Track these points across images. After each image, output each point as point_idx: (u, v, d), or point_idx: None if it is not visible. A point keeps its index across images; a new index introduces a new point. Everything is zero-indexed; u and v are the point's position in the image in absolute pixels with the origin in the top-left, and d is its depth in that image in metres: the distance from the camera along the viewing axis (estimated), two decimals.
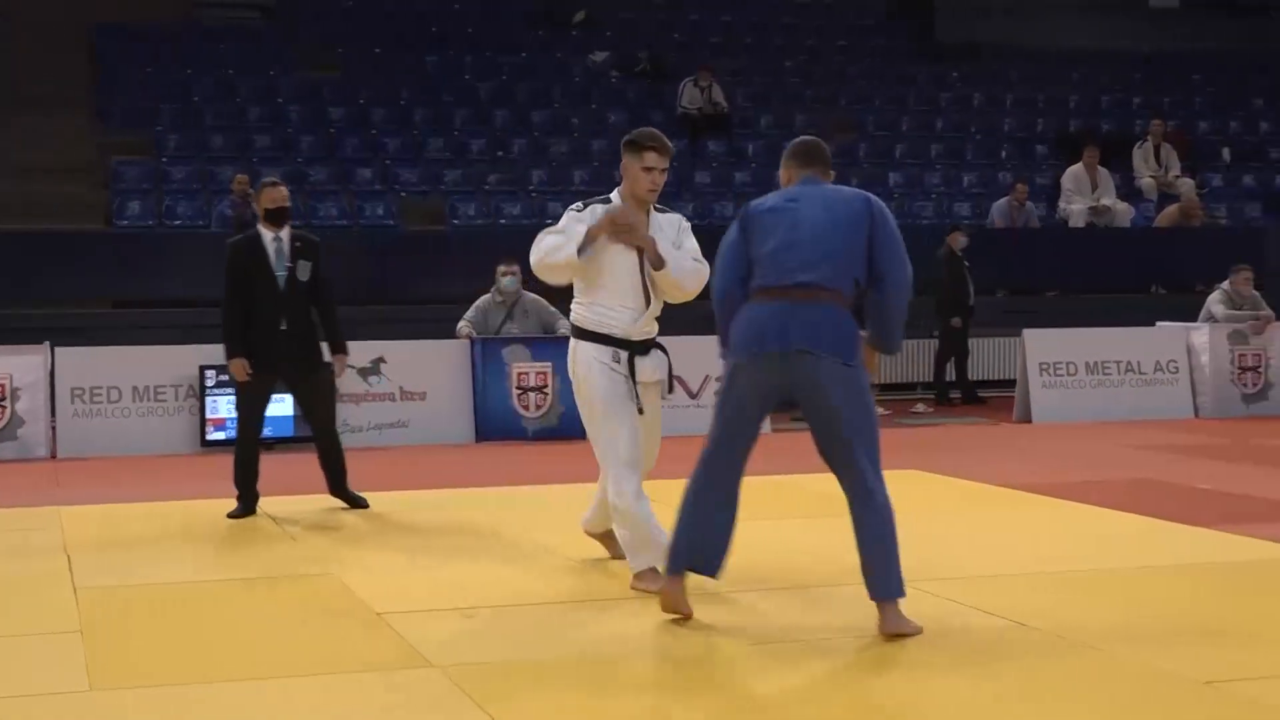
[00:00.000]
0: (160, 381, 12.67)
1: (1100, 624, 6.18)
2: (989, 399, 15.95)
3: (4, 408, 12.32)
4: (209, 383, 12.58)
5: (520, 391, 13.59)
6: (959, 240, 15.99)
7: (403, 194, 18.14)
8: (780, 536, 8.15)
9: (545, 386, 13.60)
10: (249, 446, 9.23)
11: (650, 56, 21.47)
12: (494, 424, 13.52)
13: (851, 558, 6.06)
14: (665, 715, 5.08)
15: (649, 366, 6.95)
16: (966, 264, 15.90)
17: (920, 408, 15.71)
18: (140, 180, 17.73)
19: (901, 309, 6.08)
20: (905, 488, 10.17)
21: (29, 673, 5.68)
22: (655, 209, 7.01)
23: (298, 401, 9.88)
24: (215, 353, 12.86)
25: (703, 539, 6.14)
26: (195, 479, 9.48)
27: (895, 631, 5.90)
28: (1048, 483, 10.17)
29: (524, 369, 13.60)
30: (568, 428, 13.54)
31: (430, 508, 9.60)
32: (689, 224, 7.16)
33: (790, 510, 8.99)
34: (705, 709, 5.12)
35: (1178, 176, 20.06)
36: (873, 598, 5.96)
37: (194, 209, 17.37)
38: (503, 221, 17.80)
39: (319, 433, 9.48)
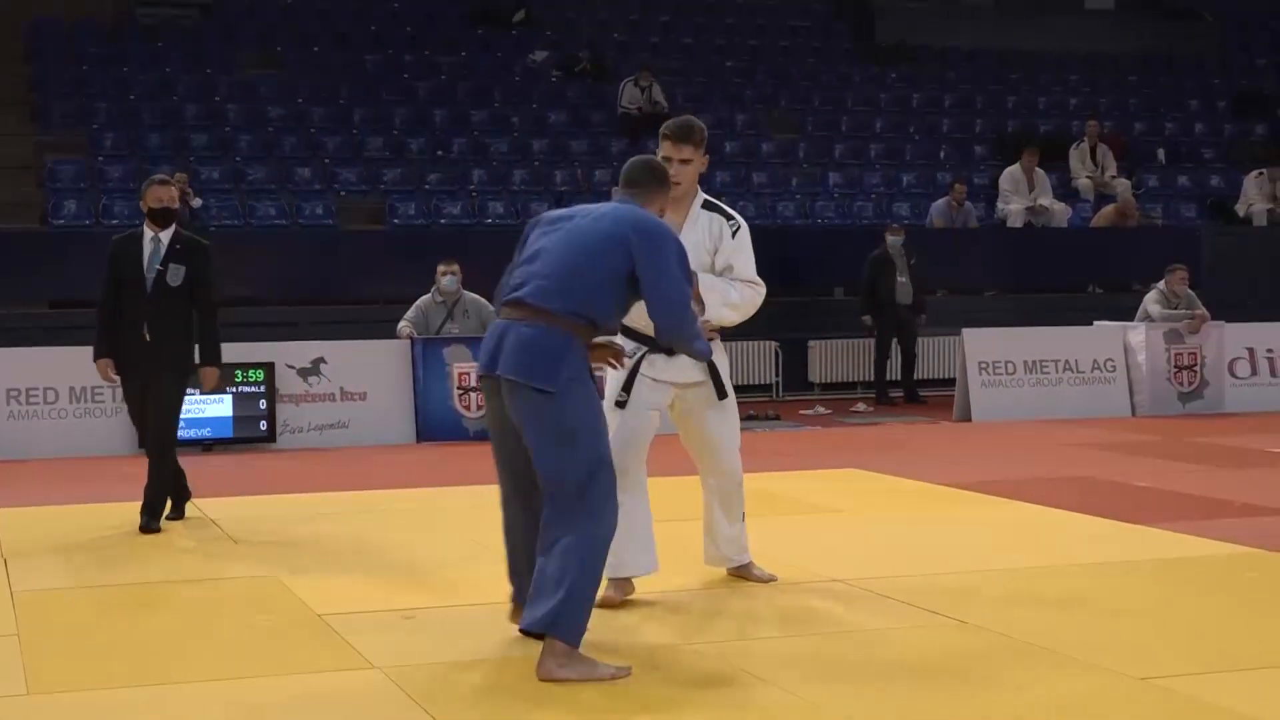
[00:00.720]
0: (98, 382, 12.54)
1: (1040, 621, 6.22)
2: (929, 398, 16.03)
3: None
4: None
5: (461, 391, 13.55)
6: (889, 238, 16.10)
7: (342, 193, 18.06)
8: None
9: None
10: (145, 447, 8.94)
11: (591, 56, 21.46)
12: (435, 424, 13.47)
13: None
14: (604, 712, 5.09)
15: (666, 365, 6.42)
16: (911, 262, 16.00)
17: (860, 406, 15.78)
18: (76, 179, 17.58)
19: (671, 330, 5.64)
20: (844, 486, 10.30)
21: None
22: (704, 207, 6.55)
23: (148, 404, 8.81)
24: None
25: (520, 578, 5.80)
26: (133, 481, 9.36)
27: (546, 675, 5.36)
28: (987, 481, 10.23)
29: (465, 369, 13.54)
30: None
31: (372, 509, 9.56)
32: (745, 227, 6.59)
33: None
34: (644, 702, 5.13)
35: (1114, 177, 20.22)
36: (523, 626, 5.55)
37: (131, 208, 17.14)
38: (442, 221, 17.74)
39: (150, 442, 8.85)
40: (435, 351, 13.58)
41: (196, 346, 8.87)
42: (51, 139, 18.30)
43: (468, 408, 13.55)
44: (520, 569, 5.79)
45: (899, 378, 16.24)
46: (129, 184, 17.50)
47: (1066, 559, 7.63)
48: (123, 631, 6.34)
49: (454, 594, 6.88)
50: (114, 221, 16.99)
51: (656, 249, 5.54)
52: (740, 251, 6.54)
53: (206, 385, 9.07)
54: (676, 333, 5.67)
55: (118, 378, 8.77)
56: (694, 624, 6.32)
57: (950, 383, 15.49)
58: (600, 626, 5.78)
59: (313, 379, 13.30)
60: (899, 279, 16.00)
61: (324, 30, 21.39)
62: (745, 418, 14.61)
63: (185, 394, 8.98)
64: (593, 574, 5.44)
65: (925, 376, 16.62)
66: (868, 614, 6.40)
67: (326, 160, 18.71)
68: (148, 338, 8.59)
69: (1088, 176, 20.23)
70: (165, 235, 8.73)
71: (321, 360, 13.35)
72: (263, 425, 12.97)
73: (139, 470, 8.94)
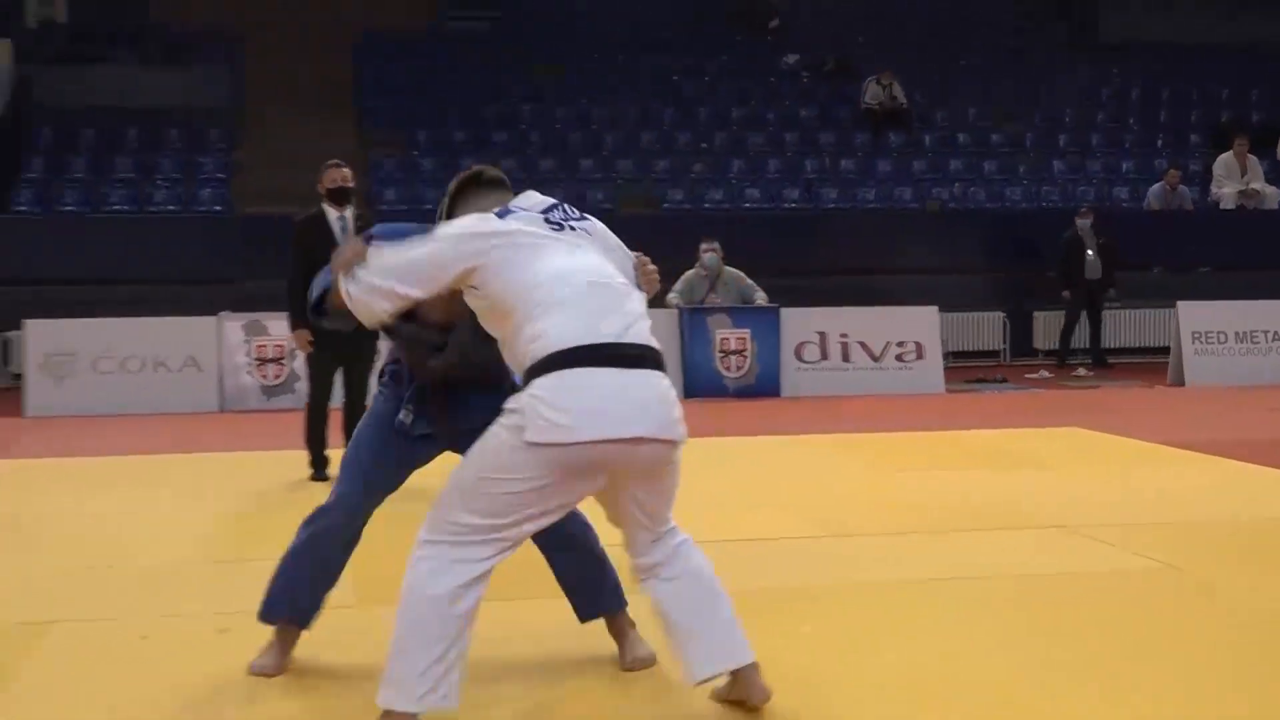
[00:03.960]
0: None
1: (1240, 570, 6.00)
2: (1142, 364, 15.61)
3: None
4: None
5: (723, 354, 13.63)
6: (1079, 221, 15.83)
7: (619, 181, 18.25)
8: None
9: (744, 350, 13.62)
10: (318, 413, 8.51)
11: (836, 58, 21.30)
12: (700, 382, 13.56)
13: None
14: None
15: None
16: (1101, 241, 15.67)
17: (1080, 371, 15.44)
18: (394, 171, 18.10)
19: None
20: (1067, 444, 10.07)
21: None
22: None
23: (344, 370, 8.48)
24: None
25: None
26: None
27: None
28: (1200, 440, 9.89)
29: (725, 335, 13.63)
30: (763, 386, 13.61)
31: None
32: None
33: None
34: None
35: None
36: None
37: (440, 194, 17.68)
38: (706, 205, 17.82)
39: (353, 403, 8.36)
40: (700, 319, 13.67)
41: None
42: (374, 136, 18.87)
43: (729, 368, 13.61)
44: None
45: (1088, 345, 15.91)
46: (439, 175, 17.97)
47: (1271, 512, 7.34)
48: None
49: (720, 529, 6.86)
50: (427, 206, 17.47)
51: None
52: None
53: None
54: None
55: (312, 346, 8.30)
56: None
57: (1164, 350, 15.06)
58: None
59: None
60: (1088, 255, 15.71)
61: (602, 38, 21.59)
62: (976, 380, 14.48)
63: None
64: None
65: (1140, 344, 16.26)
66: (1084, 555, 6.26)
67: (606, 153, 18.94)
68: None
69: None
70: (347, 213, 8.49)
71: None
72: None
73: None
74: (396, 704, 3.78)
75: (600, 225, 4.15)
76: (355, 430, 4.63)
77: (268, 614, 4.63)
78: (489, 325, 3.99)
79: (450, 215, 4.20)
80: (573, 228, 4.03)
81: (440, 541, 3.84)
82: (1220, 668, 4.60)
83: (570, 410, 3.66)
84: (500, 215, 4.00)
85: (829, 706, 4.22)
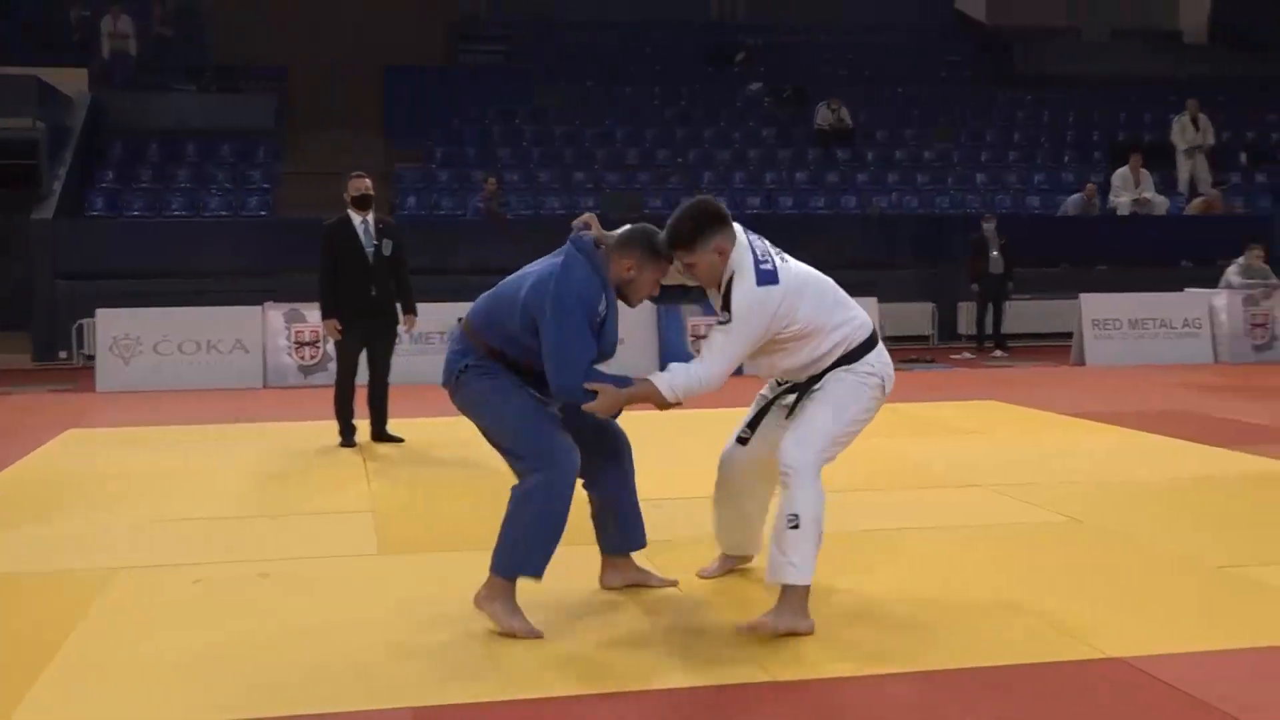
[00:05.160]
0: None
1: (1137, 519, 6.01)
2: (1050, 347, 15.61)
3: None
4: None
5: (694, 339, 13.55)
6: (984, 225, 15.80)
7: (607, 190, 18.18)
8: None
9: None
10: (346, 389, 8.42)
11: (793, 87, 21.24)
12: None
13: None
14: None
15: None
16: (1002, 242, 15.58)
17: (997, 353, 15.42)
18: (415, 181, 18.03)
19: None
20: (986, 415, 10.07)
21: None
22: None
23: (369, 351, 8.42)
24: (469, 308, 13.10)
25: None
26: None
27: (476, 602, 4.34)
28: (1099, 411, 9.90)
29: (696, 322, 13.56)
30: None
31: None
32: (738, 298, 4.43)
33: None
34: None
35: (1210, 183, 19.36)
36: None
37: (455, 202, 17.63)
38: None
39: (377, 380, 8.42)
40: (674, 309, 13.58)
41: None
42: (398, 151, 18.78)
43: (699, 352, 13.54)
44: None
45: (991, 332, 15.87)
46: (453, 185, 17.91)
47: (1161, 474, 7.34)
48: (444, 508, 6.47)
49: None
50: (441, 212, 17.42)
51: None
52: (715, 329, 4.48)
53: (412, 328, 8.78)
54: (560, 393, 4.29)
55: (341, 332, 8.31)
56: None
57: (1067, 335, 15.07)
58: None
59: None
60: (992, 254, 15.68)
61: (594, 67, 21.52)
62: (909, 360, 14.46)
63: None
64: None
65: (1048, 330, 16.24)
66: (1001, 511, 6.25)
67: (596, 166, 18.87)
68: (374, 293, 8.26)
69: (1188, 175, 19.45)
70: (370, 218, 8.39)
71: None
72: None
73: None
74: (805, 579, 4.24)
75: None
76: (524, 414, 4.33)
77: (526, 569, 4.27)
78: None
79: (694, 238, 4.39)
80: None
81: (821, 464, 4.31)
82: (1113, 593, 4.60)
83: (888, 370, 4.49)
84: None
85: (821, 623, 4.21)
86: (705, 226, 4.36)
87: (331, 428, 8.53)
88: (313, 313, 11.52)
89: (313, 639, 4.29)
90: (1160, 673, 3.89)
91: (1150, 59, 23.71)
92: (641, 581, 4.80)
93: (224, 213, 17.19)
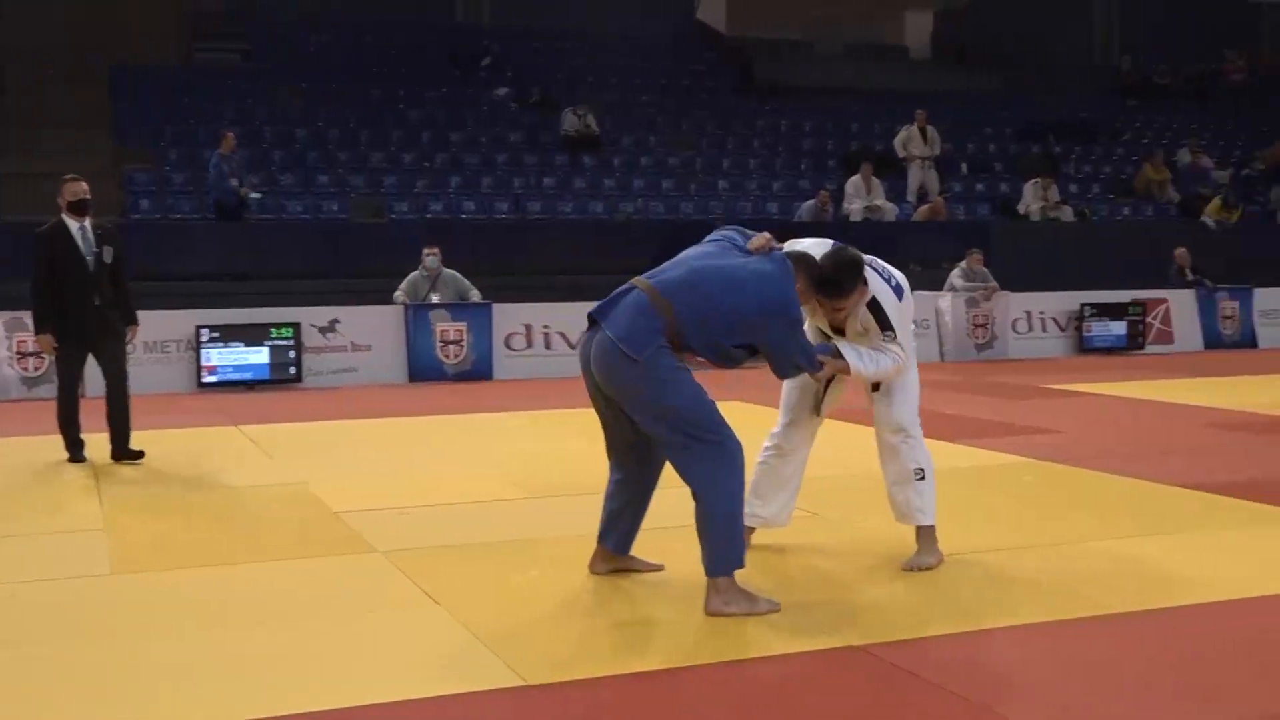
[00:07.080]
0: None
1: (869, 514, 6.22)
2: None
3: None
4: (203, 338, 12.32)
5: (443, 344, 13.48)
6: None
7: (351, 194, 17.80)
8: None
9: (461, 340, 13.51)
10: (69, 402, 8.04)
11: (540, 92, 21.29)
12: (422, 369, 13.39)
13: None
14: (559, 585, 5.05)
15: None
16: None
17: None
18: (148, 184, 17.25)
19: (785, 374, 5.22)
20: (731, 416, 10.26)
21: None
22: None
23: (101, 364, 7.98)
24: (209, 314, 12.64)
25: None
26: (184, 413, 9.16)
27: (714, 612, 4.45)
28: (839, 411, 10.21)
29: (445, 327, 13.48)
30: (478, 371, 13.53)
31: (377, 433, 9.49)
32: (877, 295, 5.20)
33: None
34: (590, 581, 5.11)
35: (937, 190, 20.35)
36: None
37: (191, 205, 16.95)
38: (428, 215, 17.54)
39: (115, 393, 7.93)
40: (423, 314, 13.48)
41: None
42: (129, 151, 17.92)
43: (447, 356, 13.47)
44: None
45: None
46: (188, 188, 17.22)
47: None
48: (181, 525, 6.25)
49: (448, 495, 6.82)
50: (178, 216, 16.73)
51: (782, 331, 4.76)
52: (886, 344, 5.17)
53: (133, 338, 8.26)
54: (790, 373, 5.03)
55: (58, 347, 7.86)
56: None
57: None
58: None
59: (329, 334, 13.18)
60: None
61: (339, 70, 21.06)
62: None
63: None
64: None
65: None
66: None
67: (340, 170, 18.45)
68: (96, 302, 7.83)
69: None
70: (87, 223, 7.93)
71: (336, 320, 13.24)
72: (292, 370, 12.85)
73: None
74: (933, 519, 5.22)
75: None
76: (702, 394, 4.76)
77: (737, 563, 4.57)
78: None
79: (851, 290, 4.97)
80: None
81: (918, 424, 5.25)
82: (861, 573, 4.78)
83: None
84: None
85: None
86: (856, 276, 4.94)
87: (59, 442, 8.08)
88: None
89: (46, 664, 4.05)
90: (902, 660, 4.06)
91: (879, 73, 24.78)
92: (630, 567, 5.06)
93: None
